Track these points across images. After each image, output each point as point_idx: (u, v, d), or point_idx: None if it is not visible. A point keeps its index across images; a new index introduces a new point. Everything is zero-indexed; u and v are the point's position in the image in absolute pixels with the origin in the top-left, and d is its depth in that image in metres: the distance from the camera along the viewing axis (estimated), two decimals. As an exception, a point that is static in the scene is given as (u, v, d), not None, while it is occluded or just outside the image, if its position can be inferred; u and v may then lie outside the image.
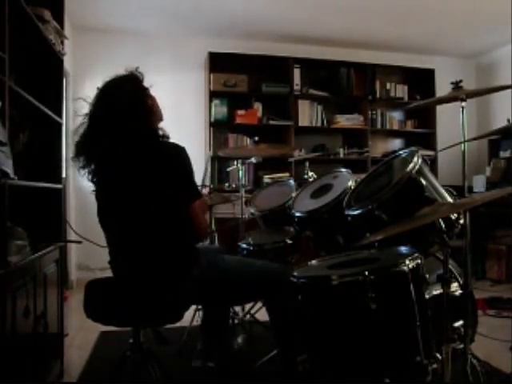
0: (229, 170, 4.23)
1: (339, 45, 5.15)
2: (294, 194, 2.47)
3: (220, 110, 4.75)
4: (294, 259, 2.43)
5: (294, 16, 4.43)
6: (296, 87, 4.88)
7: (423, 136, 5.30)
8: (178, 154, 1.69)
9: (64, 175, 2.49)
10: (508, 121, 4.37)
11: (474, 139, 2.10)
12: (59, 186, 2.33)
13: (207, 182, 3.80)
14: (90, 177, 1.74)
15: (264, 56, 4.84)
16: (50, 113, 2.19)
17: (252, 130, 4.69)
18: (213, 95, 4.73)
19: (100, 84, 1.74)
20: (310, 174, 2.73)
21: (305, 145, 4.98)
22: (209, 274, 1.71)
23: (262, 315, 2.58)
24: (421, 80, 5.29)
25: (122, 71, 1.76)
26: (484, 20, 4.47)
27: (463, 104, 1.98)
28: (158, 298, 1.62)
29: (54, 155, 2.34)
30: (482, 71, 5.62)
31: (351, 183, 2.10)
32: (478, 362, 1.72)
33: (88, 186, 1.78)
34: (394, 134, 5.41)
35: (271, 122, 4.80)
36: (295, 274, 1.59)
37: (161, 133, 1.76)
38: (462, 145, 2.00)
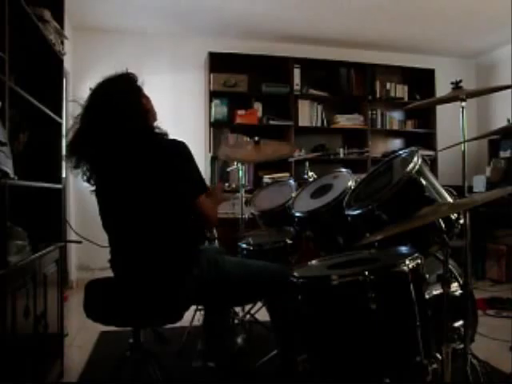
0: (229, 170, 4.23)
1: (339, 45, 5.14)
2: (294, 194, 2.46)
3: (220, 109, 4.74)
4: (293, 259, 2.42)
5: (294, 16, 4.43)
6: (296, 87, 4.88)
7: (423, 136, 5.30)
8: (178, 149, 1.67)
9: (64, 175, 2.48)
10: (508, 121, 4.37)
11: (474, 139, 2.10)
12: (59, 185, 2.33)
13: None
14: (84, 177, 1.73)
15: (264, 56, 4.83)
16: (49, 113, 2.19)
17: (252, 130, 4.68)
18: (213, 95, 4.72)
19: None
20: (310, 174, 2.72)
21: (305, 145, 4.98)
22: (209, 274, 1.71)
23: (262, 315, 2.58)
24: (421, 80, 5.29)
25: (121, 71, 1.75)
26: (484, 20, 4.48)
27: (463, 104, 1.98)
28: (158, 298, 1.62)
29: (54, 155, 2.34)
30: (482, 71, 5.61)
31: (351, 183, 2.10)
32: (477, 362, 1.73)
33: (88, 185, 1.77)
34: (394, 134, 5.41)
35: (271, 122, 4.80)
36: (295, 274, 1.59)
37: (158, 131, 1.74)
38: (462, 145, 1.99)
